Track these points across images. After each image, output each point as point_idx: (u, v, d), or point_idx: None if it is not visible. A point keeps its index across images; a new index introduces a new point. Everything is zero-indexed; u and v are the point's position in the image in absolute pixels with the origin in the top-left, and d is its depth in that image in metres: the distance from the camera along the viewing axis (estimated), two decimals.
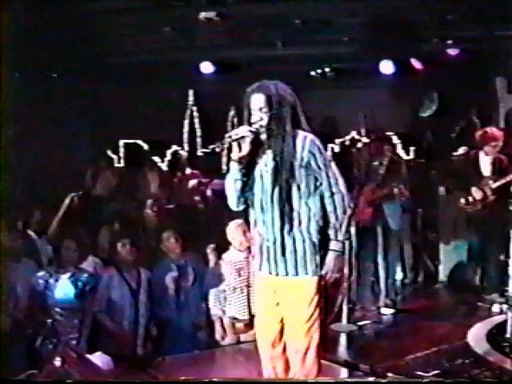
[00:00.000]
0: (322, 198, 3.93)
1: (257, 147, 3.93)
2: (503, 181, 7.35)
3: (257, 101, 3.91)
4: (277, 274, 3.95)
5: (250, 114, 3.95)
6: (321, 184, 3.91)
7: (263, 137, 3.92)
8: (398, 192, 7.53)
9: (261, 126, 3.89)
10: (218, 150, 3.99)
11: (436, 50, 9.08)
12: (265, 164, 3.94)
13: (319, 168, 3.89)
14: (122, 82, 9.79)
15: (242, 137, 3.86)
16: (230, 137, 3.87)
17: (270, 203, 3.92)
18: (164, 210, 8.34)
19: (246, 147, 3.89)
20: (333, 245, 3.93)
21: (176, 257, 6.53)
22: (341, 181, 3.94)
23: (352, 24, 8.44)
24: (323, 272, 3.93)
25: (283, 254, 3.92)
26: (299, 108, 3.98)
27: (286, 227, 3.90)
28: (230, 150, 4.01)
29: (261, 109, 3.90)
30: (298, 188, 3.90)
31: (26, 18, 7.41)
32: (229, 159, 4.03)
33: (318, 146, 3.92)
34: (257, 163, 3.97)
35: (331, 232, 3.92)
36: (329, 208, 3.92)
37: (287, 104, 3.91)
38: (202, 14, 8.02)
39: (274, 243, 3.94)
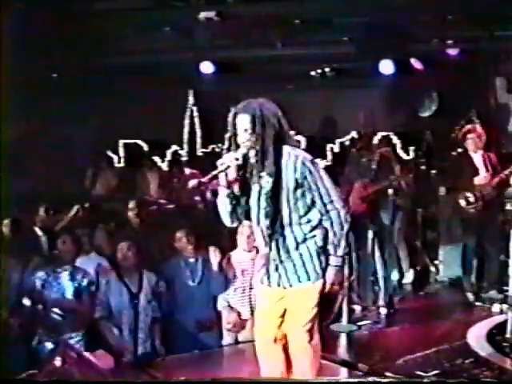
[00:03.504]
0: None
1: (248, 171, 3.97)
2: (503, 176, 7.37)
3: (242, 121, 3.94)
4: (290, 285, 4.00)
5: (235, 134, 3.97)
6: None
7: (252, 160, 3.94)
8: (392, 188, 7.57)
9: (248, 149, 3.91)
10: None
11: (436, 49, 9.09)
12: (260, 187, 3.97)
13: (311, 187, 3.92)
14: (122, 81, 9.79)
15: (229, 166, 3.88)
16: (219, 165, 3.89)
17: (269, 225, 3.96)
18: (146, 212, 8.29)
19: (232, 173, 3.92)
20: (332, 260, 3.97)
21: (187, 256, 6.51)
22: (335, 197, 3.95)
23: (352, 24, 8.44)
24: (326, 285, 3.99)
25: (291, 267, 3.98)
26: (285, 126, 4.00)
27: (291, 244, 3.95)
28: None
29: (246, 130, 3.92)
30: (296, 208, 3.94)
31: (26, 18, 7.41)
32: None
33: (309, 168, 3.92)
34: (252, 186, 4.00)
35: (330, 247, 3.97)
36: (326, 224, 3.97)
37: (270, 125, 3.92)
38: (202, 14, 8.03)
39: (281, 261, 3.99)
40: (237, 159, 3.89)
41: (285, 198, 3.93)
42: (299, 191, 3.93)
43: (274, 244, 3.98)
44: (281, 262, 3.98)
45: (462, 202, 7.58)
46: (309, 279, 3.96)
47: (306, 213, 3.95)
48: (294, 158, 3.91)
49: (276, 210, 3.93)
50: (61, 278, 6.02)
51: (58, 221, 7.74)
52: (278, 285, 4.02)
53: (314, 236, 3.96)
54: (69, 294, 6.00)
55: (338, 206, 3.94)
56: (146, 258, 6.42)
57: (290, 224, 3.94)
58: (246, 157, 3.92)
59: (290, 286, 3.99)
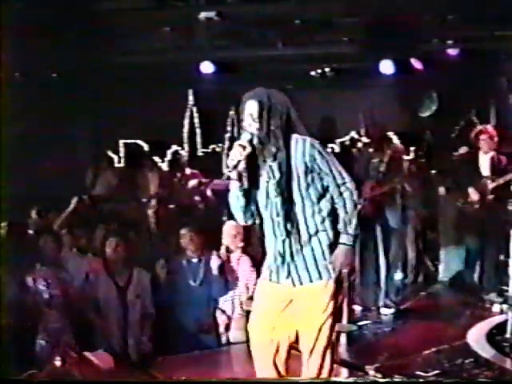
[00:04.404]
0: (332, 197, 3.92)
1: (256, 160, 3.89)
2: (501, 181, 7.36)
3: (250, 107, 3.92)
4: (301, 283, 3.91)
5: (243, 120, 3.94)
6: (328, 186, 3.90)
7: (257, 147, 3.86)
8: (399, 190, 7.54)
9: (251, 134, 3.87)
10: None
11: (436, 49, 9.10)
12: (268, 177, 3.90)
13: (322, 171, 3.87)
14: (122, 81, 9.79)
15: (239, 161, 3.81)
16: (229, 166, 3.82)
17: (281, 216, 3.89)
18: (162, 209, 8.32)
19: (241, 163, 3.83)
20: (343, 238, 3.89)
21: (190, 255, 6.54)
22: (347, 179, 3.91)
23: (352, 24, 8.46)
24: (335, 267, 3.89)
25: (302, 264, 3.90)
26: (293, 115, 3.96)
27: (304, 236, 3.89)
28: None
29: (251, 114, 3.90)
30: (308, 195, 3.89)
31: (27, 17, 7.41)
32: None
33: (318, 149, 3.88)
34: (260, 177, 3.92)
35: (341, 226, 3.89)
36: (339, 205, 3.90)
37: (277, 113, 3.89)
38: (202, 14, 8.04)
39: (291, 255, 3.91)
40: (244, 147, 3.80)
41: (296, 184, 3.86)
42: (309, 176, 3.86)
43: (286, 236, 3.89)
44: (292, 257, 3.90)
45: (460, 201, 7.58)
46: (320, 278, 3.89)
47: (319, 200, 3.89)
48: (301, 141, 3.87)
49: (288, 198, 3.86)
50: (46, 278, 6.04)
51: (52, 221, 7.73)
52: (287, 280, 3.93)
53: (326, 230, 3.90)
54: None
55: (352, 187, 3.90)
56: (135, 254, 6.45)
57: (304, 212, 3.87)
58: (251, 145, 3.84)
59: (301, 284, 3.92)
